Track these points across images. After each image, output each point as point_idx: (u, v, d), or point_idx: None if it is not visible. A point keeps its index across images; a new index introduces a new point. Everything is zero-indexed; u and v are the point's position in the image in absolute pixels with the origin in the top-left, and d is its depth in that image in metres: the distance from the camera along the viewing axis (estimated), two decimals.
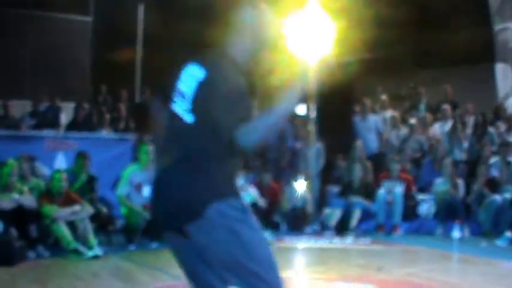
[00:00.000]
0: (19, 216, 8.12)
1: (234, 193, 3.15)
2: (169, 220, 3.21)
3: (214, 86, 3.08)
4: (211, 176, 3.11)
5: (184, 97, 3.19)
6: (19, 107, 12.18)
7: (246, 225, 3.10)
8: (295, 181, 10.81)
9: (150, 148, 9.11)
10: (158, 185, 3.27)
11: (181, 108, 3.20)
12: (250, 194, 9.90)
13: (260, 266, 3.08)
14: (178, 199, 3.13)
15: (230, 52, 3.27)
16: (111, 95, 13.72)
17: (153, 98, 12.96)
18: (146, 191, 8.99)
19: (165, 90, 3.42)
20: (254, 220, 3.15)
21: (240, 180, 9.85)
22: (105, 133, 11.17)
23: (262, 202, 9.98)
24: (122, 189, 8.96)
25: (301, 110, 14.04)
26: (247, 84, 3.17)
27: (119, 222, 9.81)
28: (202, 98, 3.12)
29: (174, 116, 3.23)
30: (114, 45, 16.74)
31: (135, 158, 10.21)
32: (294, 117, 12.84)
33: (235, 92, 3.06)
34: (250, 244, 3.08)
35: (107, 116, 11.62)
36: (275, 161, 11.70)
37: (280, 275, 3.12)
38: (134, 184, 9.00)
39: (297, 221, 10.50)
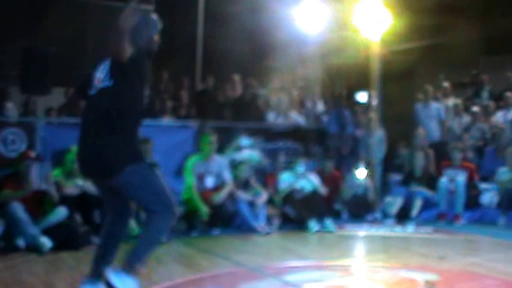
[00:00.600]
0: (83, 202, 8.29)
1: (141, 157, 4.71)
2: (93, 173, 4.80)
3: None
4: (127, 142, 4.63)
5: (102, 77, 4.70)
6: None
7: (149, 173, 4.69)
8: (356, 169, 10.74)
9: (212, 138, 9.17)
10: (85, 144, 4.77)
11: (101, 84, 4.66)
12: (311, 181, 9.88)
13: (156, 192, 4.67)
14: (103, 160, 4.60)
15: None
16: (172, 82, 13.84)
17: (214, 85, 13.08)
18: (209, 181, 9.06)
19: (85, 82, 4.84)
20: (155, 172, 4.78)
21: (301, 167, 9.86)
22: (167, 120, 11.27)
23: (323, 190, 9.94)
24: (189, 180, 9.03)
25: (362, 97, 13.97)
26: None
27: (180, 209, 9.94)
28: (115, 68, 4.61)
29: (95, 95, 4.70)
30: (175, 33, 16.88)
31: (196, 146, 10.32)
32: (354, 104, 12.77)
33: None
34: (151, 182, 4.66)
35: (169, 104, 11.72)
36: (336, 149, 11.64)
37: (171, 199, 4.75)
38: (197, 174, 9.06)
39: (358, 209, 10.45)
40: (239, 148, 10.35)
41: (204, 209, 8.79)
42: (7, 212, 7.45)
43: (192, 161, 9.19)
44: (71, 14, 15.08)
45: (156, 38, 4.96)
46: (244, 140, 10.48)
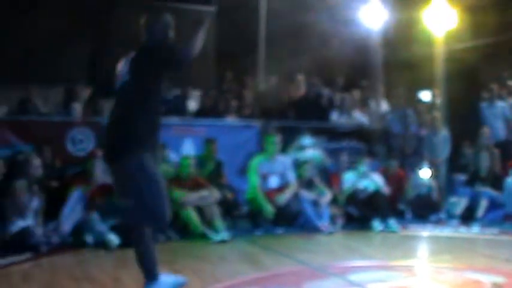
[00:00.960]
0: None
1: (150, 149, 4.79)
2: (109, 157, 4.96)
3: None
4: (139, 133, 4.75)
5: (124, 73, 4.87)
6: None
7: (152, 169, 4.75)
8: (420, 169, 10.64)
9: (276, 138, 9.21)
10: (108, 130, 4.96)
11: (122, 80, 4.87)
12: (374, 181, 9.85)
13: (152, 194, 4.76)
14: (117, 145, 4.79)
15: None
16: (235, 82, 13.93)
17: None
18: (273, 181, 9.11)
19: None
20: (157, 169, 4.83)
21: (364, 167, 9.83)
22: (231, 120, 11.37)
23: (386, 189, 9.88)
24: (254, 180, 9.10)
25: (425, 96, 13.82)
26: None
27: (244, 208, 10.02)
28: (136, 63, 4.83)
29: (118, 90, 4.91)
30: (237, 33, 17.00)
31: (260, 145, 10.40)
32: (418, 103, 12.65)
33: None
34: (151, 180, 4.73)
35: (233, 103, 11.81)
36: (399, 148, 11.56)
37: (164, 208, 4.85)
38: (261, 174, 9.12)
39: (422, 209, 10.34)
40: (302, 148, 10.38)
41: (269, 208, 8.86)
42: None
43: (256, 160, 9.26)
44: (138, 15, 15.32)
45: (171, 35, 5.16)
46: (306, 140, 10.49)
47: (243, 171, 10.06)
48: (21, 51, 14.07)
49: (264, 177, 9.11)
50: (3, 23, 13.81)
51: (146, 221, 4.85)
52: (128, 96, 4.86)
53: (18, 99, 11.22)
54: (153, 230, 4.98)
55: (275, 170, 9.16)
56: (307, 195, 9.20)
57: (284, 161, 9.31)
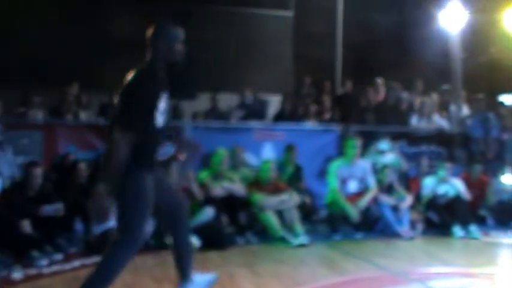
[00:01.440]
0: (229, 203, 8.56)
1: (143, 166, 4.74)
2: None
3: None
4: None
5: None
6: (226, 100, 12.73)
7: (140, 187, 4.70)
8: (503, 174, 10.42)
9: (355, 142, 9.18)
10: None
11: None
12: (455, 186, 9.69)
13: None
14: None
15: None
16: (314, 86, 13.95)
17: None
18: (352, 185, 9.08)
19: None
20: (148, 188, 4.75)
21: (444, 172, 9.69)
22: (310, 124, 11.38)
23: (467, 195, 9.71)
24: (333, 183, 9.09)
25: (507, 99, 13.51)
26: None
27: (323, 212, 10.02)
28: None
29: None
30: (314, 37, 17.02)
31: (339, 149, 10.39)
32: (499, 106, 12.38)
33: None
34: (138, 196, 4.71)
35: (312, 108, 11.83)
36: (481, 153, 11.33)
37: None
38: (340, 178, 9.11)
39: (504, 215, 10.10)
40: (380, 152, 10.32)
41: (352, 211, 8.83)
42: None
43: (336, 164, 9.25)
44: (213, 21, 15.54)
45: (178, 47, 4.81)
46: (383, 144, 10.42)
47: (321, 175, 10.08)
48: (100, 58, 14.48)
49: (343, 182, 9.08)
50: (79, 31, 14.22)
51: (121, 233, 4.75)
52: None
53: (100, 103, 11.53)
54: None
55: (354, 175, 9.13)
56: (386, 200, 9.14)
57: (364, 165, 9.26)
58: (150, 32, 4.79)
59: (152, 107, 4.66)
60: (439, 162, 10.33)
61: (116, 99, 4.74)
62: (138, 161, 4.69)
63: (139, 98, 4.63)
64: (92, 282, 4.70)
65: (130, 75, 4.69)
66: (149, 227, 7.88)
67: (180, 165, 8.16)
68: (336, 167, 9.16)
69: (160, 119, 4.76)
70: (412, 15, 13.76)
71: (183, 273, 5.10)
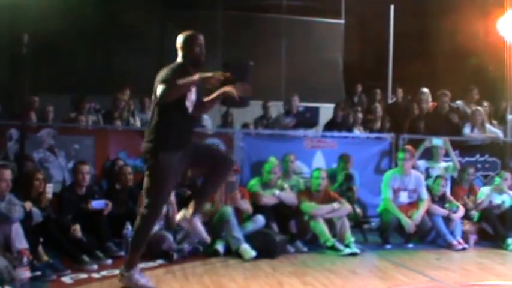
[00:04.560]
0: (279, 211, 8.52)
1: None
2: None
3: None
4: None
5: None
6: (276, 108, 12.73)
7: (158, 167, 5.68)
8: None
9: (407, 155, 9.04)
10: None
11: None
12: (511, 196, 9.48)
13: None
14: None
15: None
16: (365, 95, 13.87)
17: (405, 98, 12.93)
18: (404, 196, 8.95)
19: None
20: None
21: (500, 181, 9.47)
22: (361, 133, 11.30)
23: None
24: (386, 193, 8.98)
25: None
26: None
27: (374, 222, 9.91)
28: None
29: None
30: (366, 45, 16.91)
31: (390, 159, 10.29)
32: None
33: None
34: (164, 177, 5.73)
35: (362, 116, 11.75)
36: None
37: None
38: (393, 188, 8.99)
39: None
40: (433, 148, 10.17)
41: (406, 221, 8.70)
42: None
43: (390, 174, 9.14)
44: (265, 28, 15.56)
45: (203, 53, 5.85)
46: (437, 140, 10.26)
47: (372, 184, 9.98)
48: (156, 68, 14.60)
49: (396, 192, 8.96)
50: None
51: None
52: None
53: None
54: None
55: (407, 186, 8.99)
56: (439, 210, 8.98)
57: (417, 177, 9.10)
58: (181, 38, 5.85)
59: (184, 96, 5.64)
60: (498, 172, 10.13)
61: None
62: (166, 143, 5.66)
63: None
64: (130, 250, 5.92)
65: (169, 66, 5.72)
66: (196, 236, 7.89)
67: (227, 185, 8.14)
68: (390, 177, 9.04)
69: (188, 106, 5.75)
70: (467, 24, 13.53)
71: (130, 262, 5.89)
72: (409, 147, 9.32)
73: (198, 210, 6.07)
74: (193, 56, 5.79)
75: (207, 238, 6.24)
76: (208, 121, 11.50)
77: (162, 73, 5.65)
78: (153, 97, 5.76)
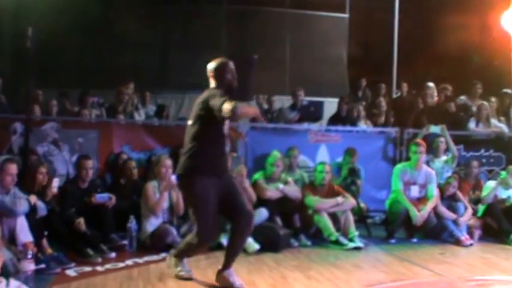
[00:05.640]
0: (283, 205, 8.50)
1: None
2: None
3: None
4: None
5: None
6: (280, 102, 12.73)
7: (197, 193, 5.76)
8: None
9: (419, 148, 9.01)
10: None
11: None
12: None
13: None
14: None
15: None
16: (370, 89, 13.85)
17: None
18: (414, 191, 8.92)
19: None
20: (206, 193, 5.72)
21: (506, 176, 9.43)
22: (366, 127, 11.28)
23: None
24: (398, 185, 8.94)
25: None
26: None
27: (377, 216, 9.91)
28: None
29: None
30: (370, 40, 16.89)
31: (394, 153, 10.30)
32: None
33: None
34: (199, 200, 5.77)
35: (367, 110, 11.73)
36: None
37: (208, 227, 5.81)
38: (404, 181, 8.97)
39: None
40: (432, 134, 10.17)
41: (415, 213, 8.68)
42: None
43: (400, 167, 9.11)
44: (269, 23, 15.55)
45: (235, 79, 5.98)
46: (434, 128, 10.25)
47: (376, 178, 9.98)
48: (159, 63, 14.63)
49: (405, 185, 8.92)
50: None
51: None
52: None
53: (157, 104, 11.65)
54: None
55: (417, 181, 8.95)
56: (447, 214, 8.94)
57: (428, 173, 9.06)
58: (213, 65, 5.93)
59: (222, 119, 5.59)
60: (506, 167, 10.10)
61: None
62: (200, 167, 5.73)
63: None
64: (181, 248, 6.15)
65: (206, 93, 5.78)
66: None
67: (233, 160, 8.15)
68: (400, 169, 9.02)
69: (225, 130, 5.88)
70: (473, 18, 13.52)
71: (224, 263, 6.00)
72: (421, 141, 9.29)
73: (229, 265, 5.99)
74: (226, 83, 5.86)
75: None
76: None
77: (207, 96, 5.68)
78: (189, 122, 5.91)
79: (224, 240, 7.70)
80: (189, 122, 5.90)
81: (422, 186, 8.96)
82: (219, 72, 5.89)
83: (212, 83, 5.93)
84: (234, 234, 5.93)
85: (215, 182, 5.75)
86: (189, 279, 6.08)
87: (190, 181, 5.77)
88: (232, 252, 5.96)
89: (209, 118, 5.63)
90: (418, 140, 9.39)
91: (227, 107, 5.30)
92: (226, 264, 5.93)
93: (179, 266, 6.14)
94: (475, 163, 10.02)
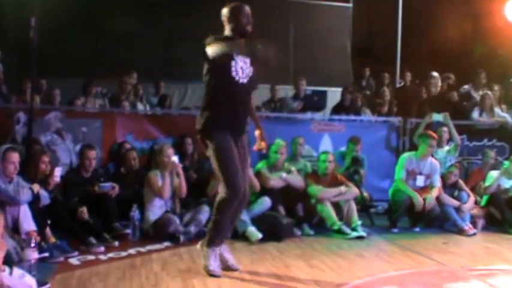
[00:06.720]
0: (287, 194, 8.50)
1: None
2: None
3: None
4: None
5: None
6: (284, 91, 12.72)
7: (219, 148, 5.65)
8: None
9: (432, 142, 8.98)
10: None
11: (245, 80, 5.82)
12: None
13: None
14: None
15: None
16: (373, 78, 13.84)
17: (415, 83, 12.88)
18: (420, 180, 8.90)
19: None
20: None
21: (509, 166, 9.40)
22: (369, 116, 11.28)
23: None
24: (400, 174, 8.92)
25: None
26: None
27: (380, 206, 9.91)
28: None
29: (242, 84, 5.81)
30: (374, 29, 16.86)
31: (398, 142, 10.29)
32: None
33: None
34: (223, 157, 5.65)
35: (370, 100, 11.73)
36: None
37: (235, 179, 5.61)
38: (408, 170, 8.95)
39: None
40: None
41: (418, 199, 8.68)
42: None
43: (406, 156, 9.08)
44: (272, 12, 15.49)
45: (250, 24, 5.78)
46: (437, 116, 10.24)
47: (380, 168, 9.98)
48: (161, 53, 14.62)
49: (410, 175, 8.91)
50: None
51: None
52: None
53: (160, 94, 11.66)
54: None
55: (422, 171, 8.92)
56: (450, 201, 8.93)
57: (433, 164, 9.01)
58: (225, 10, 5.75)
59: (229, 62, 5.59)
60: (503, 155, 10.08)
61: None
62: (215, 121, 5.66)
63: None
64: (209, 231, 5.88)
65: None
66: (205, 216, 7.88)
67: None
68: (406, 159, 8.98)
69: (238, 78, 5.68)
70: (477, 7, 13.49)
71: (210, 240, 5.86)
72: (435, 135, 9.25)
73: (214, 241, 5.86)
74: (241, 27, 5.69)
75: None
76: None
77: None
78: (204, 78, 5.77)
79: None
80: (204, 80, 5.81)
81: (427, 177, 8.93)
82: (233, 15, 5.72)
83: (226, 29, 5.76)
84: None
85: (231, 140, 5.69)
86: (217, 276, 5.78)
87: (208, 135, 5.67)
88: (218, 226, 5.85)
89: (212, 69, 5.65)
90: (432, 133, 9.29)
91: (212, 48, 5.40)
92: (211, 238, 5.85)
93: (211, 259, 5.82)
94: (492, 153, 10.02)
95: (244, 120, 5.90)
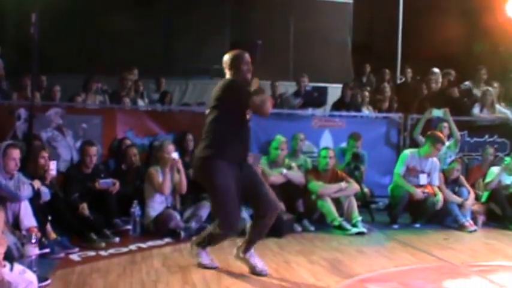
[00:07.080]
0: (287, 190, 8.49)
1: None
2: None
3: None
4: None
5: None
6: (284, 88, 12.72)
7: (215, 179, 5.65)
8: None
9: (439, 145, 8.96)
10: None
11: None
12: None
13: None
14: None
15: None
16: (374, 75, 13.82)
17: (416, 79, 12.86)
18: (423, 178, 8.89)
19: None
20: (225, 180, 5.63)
21: (509, 162, 9.41)
22: (369, 113, 11.27)
23: None
24: (399, 169, 8.94)
25: None
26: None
27: (381, 202, 9.91)
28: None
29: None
30: (374, 25, 16.84)
31: (398, 139, 10.29)
32: None
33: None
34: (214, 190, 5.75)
35: (371, 96, 11.72)
36: None
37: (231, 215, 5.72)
38: (409, 167, 8.95)
39: None
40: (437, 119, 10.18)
41: (414, 190, 8.69)
42: None
43: (408, 153, 9.09)
44: (273, 8, 15.48)
45: (244, 69, 5.86)
46: (437, 112, 10.23)
47: (380, 164, 9.97)
48: (162, 49, 14.62)
49: (410, 172, 8.92)
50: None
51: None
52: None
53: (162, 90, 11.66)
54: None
55: (424, 169, 8.93)
56: (453, 198, 8.94)
57: (434, 162, 9.03)
58: (227, 58, 5.90)
59: (245, 106, 5.66)
60: (503, 152, 10.07)
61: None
62: (218, 153, 5.66)
63: (239, 95, 5.67)
64: (202, 236, 6.08)
65: (222, 83, 5.81)
66: (205, 212, 7.88)
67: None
68: (408, 155, 9.00)
69: (246, 118, 5.83)
70: (478, 3, 13.45)
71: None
72: (444, 137, 9.24)
73: (249, 248, 6.01)
74: (242, 75, 5.82)
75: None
76: None
77: (223, 87, 5.74)
78: (207, 110, 5.93)
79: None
80: (207, 111, 5.91)
81: (428, 175, 8.94)
82: (235, 63, 5.86)
83: (227, 74, 5.90)
84: (257, 221, 5.92)
85: (234, 169, 5.69)
86: (214, 268, 6.02)
87: (208, 166, 5.69)
88: (255, 237, 5.97)
89: (227, 105, 5.69)
90: (442, 136, 9.24)
91: (261, 104, 5.53)
92: (248, 247, 5.98)
93: (202, 256, 6.09)
94: (491, 150, 10.02)
95: (246, 149, 6.02)
